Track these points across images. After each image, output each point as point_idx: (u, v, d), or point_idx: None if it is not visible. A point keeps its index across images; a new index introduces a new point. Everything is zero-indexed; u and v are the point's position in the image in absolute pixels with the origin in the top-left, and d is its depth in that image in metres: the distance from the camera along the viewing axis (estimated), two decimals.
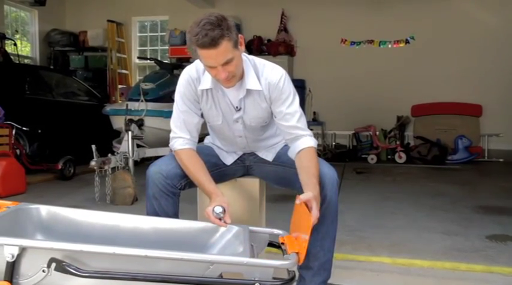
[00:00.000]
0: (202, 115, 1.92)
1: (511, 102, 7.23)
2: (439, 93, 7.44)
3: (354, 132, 7.42)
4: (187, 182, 1.82)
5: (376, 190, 4.50)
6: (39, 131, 5.11)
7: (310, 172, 1.74)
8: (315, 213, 1.55)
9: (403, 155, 6.81)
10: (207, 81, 1.82)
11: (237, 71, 1.73)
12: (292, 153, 1.86)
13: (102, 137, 5.00)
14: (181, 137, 1.85)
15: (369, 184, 4.81)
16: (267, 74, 1.83)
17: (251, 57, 1.89)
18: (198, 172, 1.79)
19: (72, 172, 5.06)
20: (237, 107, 1.87)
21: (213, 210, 1.63)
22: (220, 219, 1.63)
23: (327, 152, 7.02)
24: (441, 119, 7.39)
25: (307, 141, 1.83)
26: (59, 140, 5.38)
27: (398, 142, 7.07)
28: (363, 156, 7.05)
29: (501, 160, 6.92)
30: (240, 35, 1.69)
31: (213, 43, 1.58)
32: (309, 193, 1.60)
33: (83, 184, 4.76)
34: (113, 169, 3.90)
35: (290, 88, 1.85)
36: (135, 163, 4.31)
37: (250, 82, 1.81)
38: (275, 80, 1.82)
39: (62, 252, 1.32)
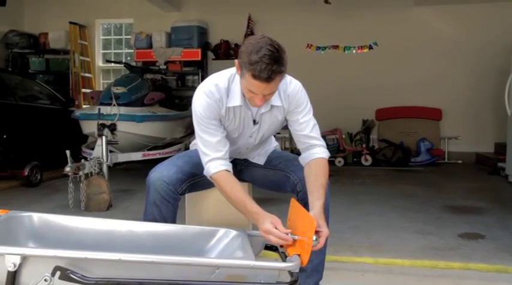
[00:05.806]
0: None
1: (469, 106, 7.58)
2: (401, 98, 7.67)
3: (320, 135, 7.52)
4: (187, 187, 1.82)
5: (348, 192, 4.59)
6: (4, 136, 4.91)
7: (318, 181, 1.75)
8: (326, 231, 1.57)
9: (369, 158, 6.99)
10: (236, 98, 1.78)
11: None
12: (303, 160, 1.88)
13: (69, 142, 4.85)
14: (213, 158, 1.78)
15: (340, 186, 4.90)
16: (286, 86, 1.84)
17: None
18: (238, 195, 1.71)
19: (39, 179, 4.89)
20: (254, 120, 1.87)
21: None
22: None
23: None
24: (404, 122, 7.63)
25: (320, 151, 1.86)
26: (24, 145, 5.18)
27: (364, 145, 7.25)
28: (330, 159, 7.14)
29: (460, 161, 7.20)
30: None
31: (268, 79, 1.59)
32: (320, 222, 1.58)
33: (51, 191, 4.61)
34: (86, 174, 3.81)
35: (306, 98, 1.89)
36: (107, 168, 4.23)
37: (275, 98, 1.81)
38: (294, 92, 1.85)
39: (65, 260, 1.30)
